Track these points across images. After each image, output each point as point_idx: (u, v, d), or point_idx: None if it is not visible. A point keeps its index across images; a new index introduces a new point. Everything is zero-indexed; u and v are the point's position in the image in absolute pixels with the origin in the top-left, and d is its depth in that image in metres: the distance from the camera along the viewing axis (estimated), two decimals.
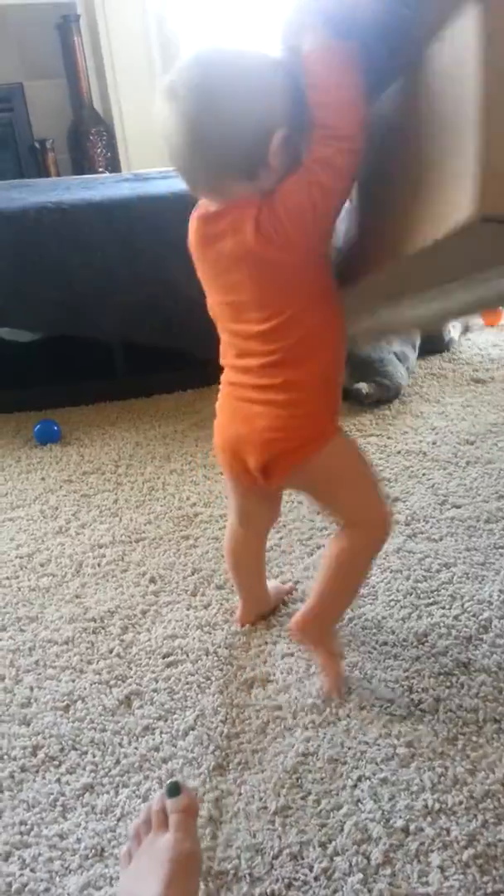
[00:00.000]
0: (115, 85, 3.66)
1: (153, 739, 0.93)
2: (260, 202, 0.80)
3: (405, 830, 0.79)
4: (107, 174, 3.38)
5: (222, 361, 0.96)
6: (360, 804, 0.82)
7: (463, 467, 1.50)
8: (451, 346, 2.16)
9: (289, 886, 0.75)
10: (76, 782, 0.88)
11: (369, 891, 0.73)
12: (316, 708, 0.95)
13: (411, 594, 1.14)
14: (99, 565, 1.30)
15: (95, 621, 1.15)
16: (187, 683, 1.01)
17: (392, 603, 1.13)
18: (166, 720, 0.95)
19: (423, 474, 1.49)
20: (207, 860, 0.77)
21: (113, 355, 2.04)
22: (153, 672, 1.04)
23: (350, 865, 0.76)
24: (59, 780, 0.89)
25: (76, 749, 0.93)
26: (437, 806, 0.81)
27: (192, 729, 0.94)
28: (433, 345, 2.12)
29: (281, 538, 1.32)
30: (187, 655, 1.06)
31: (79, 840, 0.81)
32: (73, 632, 1.13)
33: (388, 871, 0.75)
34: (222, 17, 3.41)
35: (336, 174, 0.77)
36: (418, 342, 2.05)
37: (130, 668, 1.05)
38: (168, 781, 0.75)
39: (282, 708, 0.95)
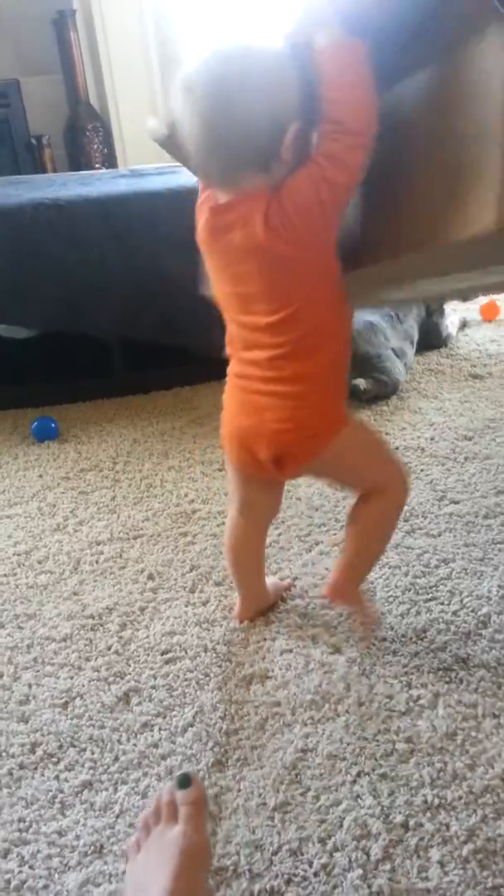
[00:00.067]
0: (111, 81, 3.65)
1: (152, 736, 0.93)
2: (269, 195, 0.81)
3: (404, 826, 0.79)
4: (103, 170, 3.37)
5: (228, 353, 0.96)
6: (359, 800, 0.82)
7: (461, 463, 1.50)
8: (448, 342, 2.16)
9: (288, 882, 0.75)
10: (75, 779, 0.88)
11: (369, 886, 0.73)
12: (315, 704, 0.95)
13: (410, 590, 1.14)
14: (97, 562, 1.30)
15: (94, 618, 1.15)
16: (186, 680, 1.01)
17: (391, 599, 1.13)
18: (165, 717, 0.95)
19: (422, 470, 1.49)
20: None
21: (110, 352, 2.04)
22: (152, 669, 1.04)
23: (349, 861, 0.76)
24: (57, 777, 0.88)
25: (75, 746, 0.92)
26: (436, 801, 0.81)
27: (191, 725, 0.94)
28: (431, 340, 2.12)
29: (279, 534, 1.31)
30: (186, 652, 1.06)
31: (77, 837, 0.81)
32: (72, 629, 1.13)
33: (388, 866, 0.75)
34: (219, 11, 3.40)
35: (343, 170, 0.78)
36: (416, 338, 2.05)
37: (129, 665, 1.05)
38: (178, 773, 0.75)
39: (280, 704, 0.95)
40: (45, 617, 1.17)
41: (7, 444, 1.80)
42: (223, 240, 0.86)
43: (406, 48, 0.77)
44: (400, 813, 0.80)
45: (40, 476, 1.62)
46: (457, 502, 1.37)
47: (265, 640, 1.07)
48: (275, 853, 0.77)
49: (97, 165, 3.67)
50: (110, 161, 3.73)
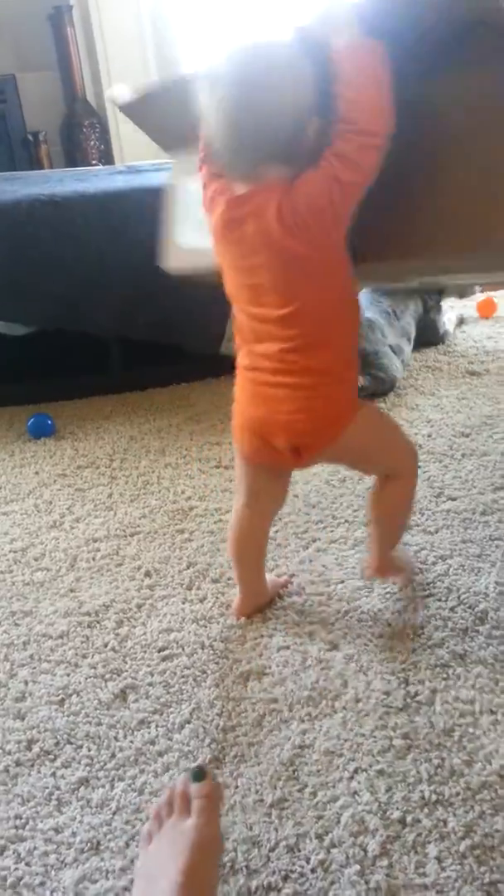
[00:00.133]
0: (108, 77, 3.63)
1: (149, 733, 0.92)
2: (283, 190, 0.82)
3: (402, 822, 0.78)
4: (100, 166, 3.37)
5: (238, 345, 0.97)
6: (356, 796, 0.82)
7: (458, 460, 1.50)
8: (446, 339, 2.16)
9: (285, 879, 0.74)
10: (71, 776, 0.88)
11: (366, 882, 0.73)
12: (312, 700, 0.95)
13: (407, 586, 1.14)
14: (94, 559, 1.30)
15: (90, 615, 1.15)
16: (183, 677, 1.01)
17: (388, 595, 1.12)
18: (162, 714, 0.95)
19: (419, 467, 1.48)
20: None
21: (107, 349, 2.03)
22: (148, 666, 1.03)
23: (347, 857, 0.75)
24: (54, 774, 0.88)
25: (71, 743, 0.92)
26: (433, 797, 0.80)
27: (188, 722, 0.93)
28: (428, 337, 2.12)
29: (276, 531, 1.31)
30: (183, 649, 1.06)
31: (74, 834, 0.81)
32: (68, 626, 1.13)
33: (385, 862, 0.75)
34: (216, 10, 3.39)
35: (355, 170, 0.80)
36: (413, 335, 2.05)
37: (126, 662, 1.04)
38: (193, 765, 0.74)
39: (278, 700, 0.95)
40: (41, 614, 1.16)
41: (3, 440, 1.79)
42: (238, 231, 0.87)
43: (420, 55, 0.79)
44: (397, 809, 0.80)
45: (37, 473, 1.62)
46: (454, 499, 1.36)
47: (262, 636, 1.07)
48: (272, 849, 0.77)
49: (94, 162, 3.66)
50: (107, 157, 3.72)
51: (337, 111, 0.79)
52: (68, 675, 1.03)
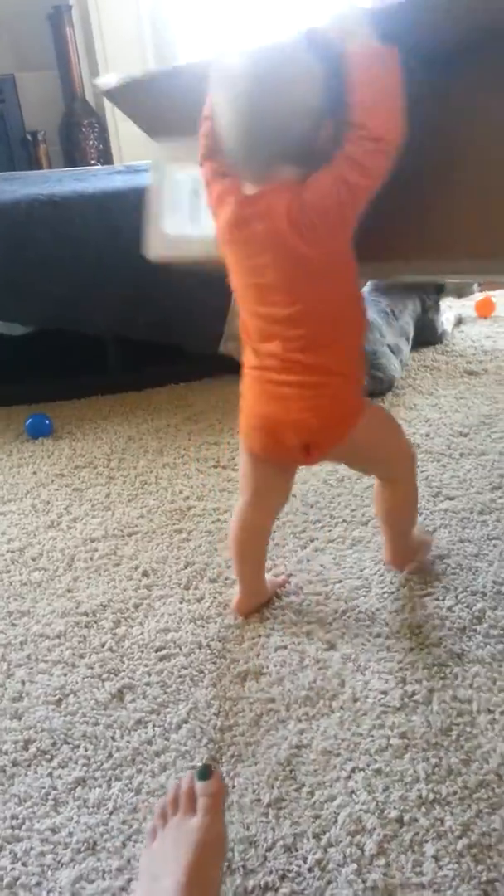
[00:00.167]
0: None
1: (146, 733, 0.92)
2: (293, 191, 0.83)
3: (399, 821, 0.78)
4: (99, 166, 3.36)
5: (245, 345, 0.98)
6: (353, 795, 0.82)
7: (456, 459, 1.50)
8: (444, 339, 2.16)
9: (283, 878, 0.74)
10: (68, 776, 0.88)
11: (363, 881, 0.73)
12: (309, 700, 0.95)
13: (405, 586, 1.14)
14: (91, 559, 1.29)
15: (87, 615, 1.15)
16: (180, 677, 1.01)
17: (385, 595, 1.12)
18: (159, 714, 0.95)
19: (417, 466, 1.48)
20: None
21: (105, 349, 2.03)
22: (146, 666, 1.03)
23: (344, 856, 0.75)
24: (50, 774, 0.88)
25: (68, 743, 0.92)
26: (431, 796, 0.80)
27: (185, 722, 0.93)
28: (426, 337, 2.12)
29: (274, 531, 1.31)
30: (180, 649, 1.06)
31: (71, 834, 0.81)
32: (65, 626, 1.13)
33: (382, 861, 0.74)
34: (215, 6, 3.39)
35: (364, 174, 0.81)
36: (412, 334, 2.05)
37: (123, 662, 1.04)
38: (200, 764, 0.74)
39: (275, 700, 0.95)
40: (38, 614, 1.16)
41: (1, 440, 1.79)
42: (247, 231, 0.87)
43: (437, 60, 0.79)
44: (394, 808, 0.80)
45: (34, 473, 1.62)
46: (452, 498, 1.36)
47: (260, 636, 1.06)
48: (269, 849, 0.77)
49: (93, 161, 3.66)
50: (106, 157, 3.72)
51: (349, 115, 0.80)
52: (65, 675, 1.03)
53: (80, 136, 3.67)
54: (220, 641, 1.06)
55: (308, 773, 0.85)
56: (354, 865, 0.74)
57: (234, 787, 0.84)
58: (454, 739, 0.87)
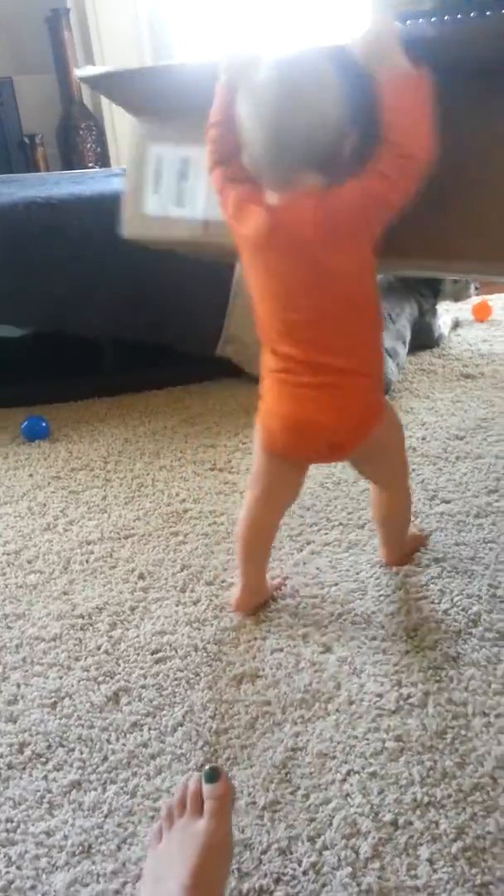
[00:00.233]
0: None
1: (141, 736, 0.92)
2: (319, 198, 0.86)
3: (394, 824, 0.78)
4: (96, 169, 3.37)
5: (264, 347, 1.00)
6: (348, 798, 0.82)
7: (453, 462, 1.50)
8: (440, 342, 2.16)
9: (277, 881, 0.74)
10: (63, 779, 0.87)
11: (358, 884, 0.73)
12: (305, 703, 0.95)
13: (401, 588, 1.14)
14: (87, 562, 1.29)
15: (83, 618, 1.15)
16: (176, 679, 1.00)
17: (381, 598, 1.13)
18: (155, 716, 0.95)
19: (413, 470, 1.49)
20: None
21: (102, 351, 2.03)
22: (141, 668, 1.03)
23: (339, 859, 0.75)
24: (45, 777, 0.88)
25: (63, 746, 0.92)
26: (426, 799, 0.80)
27: (181, 725, 0.93)
28: (423, 340, 2.12)
29: None
30: (176, 651, 1.06)
31: (66, 837, 0.81)
32: (61, 628, 1.13)
33: (377, 864, 0.74)
34: (213, 10, 3.40)
35: (396, 190, 0.84)
36: (408, 338, 2.05)
37: (118, 665, 1.04)
38: (207, 766, 0.73)
39: (271, 703, 0.95)
40: (34, 617, 1.16)
41: None
42: (275, 238, 0.89)
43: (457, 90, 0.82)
44: (389, 811, 0.80)
45: (30, 475, 1.62)
46: (448, 501, 1.37)
47: (256, 639, 1.06)
48: (264, 852, 0.77)
49: (90, 164, 3.66)
50: (103, 160, 3.72)
51: (385, 133, 0.83)
52: (61, 677, 1.03)
53: (77, 139, 3.67)
54: (216, 644, 1.06)
55: (303, 775, 0.85)
56: (349, 868, 0.74)
57: None
58: (449, 742, 0.87)
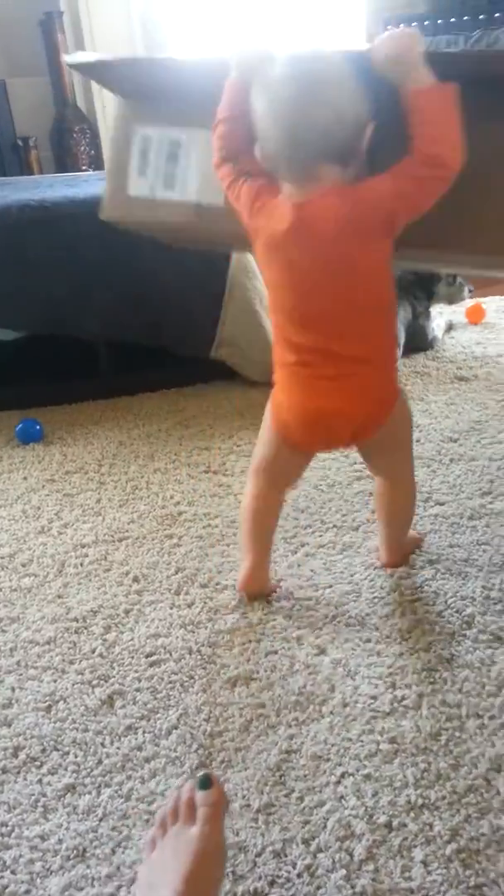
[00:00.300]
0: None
1: (136, 739, 0.92)
2: (345, 194, 0.89)
3: (388, 826, 0.79)
4: (90, 172, 3.37)
5: (278, 342, 1.02)
6: (343, 801, 0.82)
7: (446, 465, 1.51)
8: (434, 345, 2.17)
9: (272, 884, 0.74)
10: (58, 783, 0.87)
11: (352, 887, 0.73)
12: (299, 705, 0.95)
13: (395, 591, 1.14)
14: (81, 565, 1.29)
15: (78, 621, 1.14)
16: (170, 682, 1.00)
17: (376, 600, 1.13)
18: (149, 719, 0.95)
19: None
20: None
21: (96, 354, 2.03)
22: (136, 671, 1.03)
23: (333, 862, 0.75)
24: (40, 781, 0.88)
25: (58, 749, 0.92)
26: (420, 801, 0.81)
27: (175, 728, 0.93)
28: (417, 343, 2.13)
29: None
30: (170, 654, 1.06)
31: (60, 841, 0.81)
32: (55, 632, 1.12)
33: (371, 866, 0.75)
34: (206, 12, 3.40)
35: (423, 194, 0.88)
36: (402, 340, 2.06)
37: (113, 668, 1.04)
38: (200, 773, 0.74)
39: (265, 706, 0.95)
40: (28, 620, 1.16)
41: None
42: (301, 234, 0.91)
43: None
44: (384, 813, 0.80)
45: (25, 478, 1.61)
46: (442, 504, 1.37)
47: (250, 641, 1.07)
48: (258, 855, 0.77)
49: (84, 167, 3.66)
50: (97, 163, 3.72)
51: (420, 143, 0.87)
52: (55, 681, 1.03)
53: (71, 142, 3.68)
54: (210, 647, 1.06)
55: (298, 778, 0.85)
56: (343, 871, 0.74)
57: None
58: (443, 744, 0.87)
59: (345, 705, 0.94)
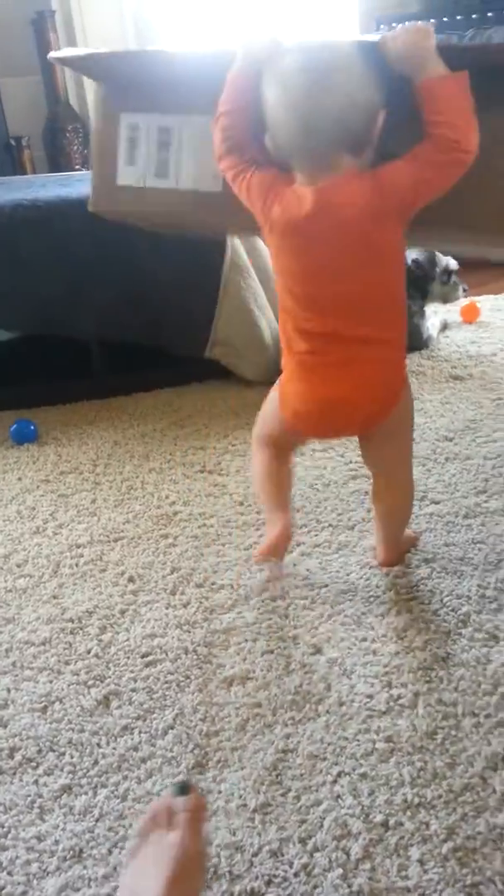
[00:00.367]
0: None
1: (132, 739, 0.92)
2: (364, 180, 0.92)
3: (385, 825, 0.79)
4: (83, 171, 3.36)
5: (286, 332, 1.03)
6: (339, 800, 0.82)
7: (441, 464, 1.51)
8: (429, 344, 2.17)
9: (269, 883, 0.74)
10: (54, 783, 0.87)
11: (349, 886, 0.73)
12: (295, 704, 0.95)
13: (391, 590, 1.14)
14: (77, 565, 1.29)
15: (73, 622, 1.14)
16: (166, 682, 1.00)
17: (371, 599, 1.13)
18: (145, 720, 0.95)
19: None
20: None
21: (91, 354, 2.02)
22: (132, 672, 1.03)
23: (330, 861, 0.76)
24: (36, 782, 0.88)
25: (54, 750, 0.92)
26: (416, 800, 0.81)
27: (171, 728, 0.93)
28: (412, 342, 2.13)
29: (261, 536, 1.31)
30: (166, 654, 1.05)
31: (56, 842, 0.80)
32: (51, 632, 1.12)
33: (368, 865, 0.75)
34: (198, 11, 3.40)
35: (443, 177, 0.91)
36: None
37: (109, 668, 1.04)
38: (175, 780, 0.74)
39: (261, 705, 0.95)
40: (23, 621, 1.16)
41: None
42: (322, 220, 0.93)
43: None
44: (380, 812, 0.80)
45: (19, 479, 1.61)
46: (437, 502, 1.37)
47: (246, 641, 1.06)
48: (255, 854, 0.77)
49: (77, 167, 3.64)
50: (90, 162, 3.71)
51: (441, 130, 0.89)
52: (51, 682, 1.02)
53: (64, 142, 3.66)
54: (206, 647, 1.06)
55: (294, 777, 0.85)
56: (340, 870, 0.74)
57: (220, 792, 0.84)
58: (439, 743, 0.87)
59: (341, 704, 0.94)
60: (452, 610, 1.09)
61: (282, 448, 1.17)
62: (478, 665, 0.98)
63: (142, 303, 1.90)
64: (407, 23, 0.92)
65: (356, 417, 1.04)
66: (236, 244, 1.89)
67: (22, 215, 1.84)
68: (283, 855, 0.77)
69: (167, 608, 1.15)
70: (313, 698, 0.95)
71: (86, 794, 0.86)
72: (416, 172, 0.91)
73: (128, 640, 1.09)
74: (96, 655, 1.07)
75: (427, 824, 0.78)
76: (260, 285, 1.96)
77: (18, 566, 1.30)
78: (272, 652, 1.04)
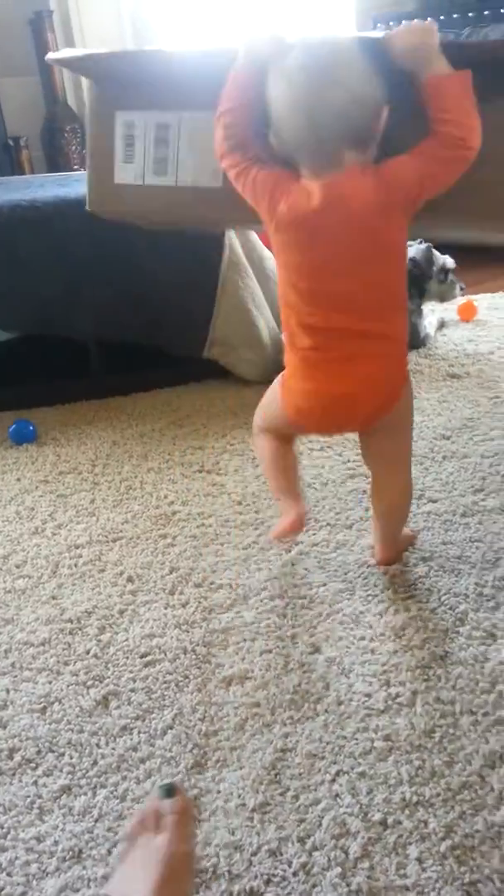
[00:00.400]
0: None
1: (131, 739, 0.92)
2: (370, 174, 0.92)
3: (383, 824, 0.79)
4: (82, 171, 3.35)
5: (289, 329, 1.03)
6: (338, 798, 0.82)
7: (439, 462, 1.51)
8: (427, 342, 2.17)
9: (268, 882, 0.75)
10: (53, 784, 0.87)
11: (348, 885, 0.73)
12: (294, 704, 0.95)
13: (388, 589, 1.15)
14: (76, 566, 1.29)
15: (72, 622, 1.14)
16: (165, 682, 1.01)
17: (369, 598, 1.13)
18: (144, 720, 0.95)
19: None
20: None
21: (89, 354, 2.02)
22: (131, 672, 1.03)
23: (328, 860, 0.76)
24: (35, 783, 0.88)
25: (53, 751, 0.92)
26: (414, 798, 0.81)
27: (171, 728, 0.93)
28: (409, 341, 2.13)
29: (259, 535, 1.31)
30: (165, 654, 1.06)
31: (56, 842, 0.81)
32: (50, 633, 1.12)
33: (367, 864, 0.75)
34: (196, 10, 3.40)
35: (447, 173, 0.92)
36: None
37: (108, 669, 1.04)
38: (162, 783, 0.74)
39: (260, 705, 0.95)
40: (22, 621, 1.16)
41: None
42: (329, 212, 0.93)
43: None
44: (378, 811, 0.80)
45: (18, 479, 1.61)
46: (435, 501, 1.37)
47: (244, 640, 1.07)
48: (254, 854, 0.77)
49: (75, 167, 3.65)
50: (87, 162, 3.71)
51: (447, 127, 0.91)
52: (50, 682, 1.03)
53: (62, 142, 3.66)
54: (204, 646, 1.06)
55: (293, 776, 0.85)
56: (339, 869, 0.75)
57: (219, 791, 0.85)
58: (437, 741, 0.88)
59: (339, 703, 0.94)
60: (450, 608, 1.09)
61: (284, 436, 1.18)
62: (475, 663, 0.98)
63: (140, 303, 1.90)
64: (414, 20, 0.94)
65: (359, 413, 1.04)
66: (234, 243, 1.89)
67: (20, 215, 1.84)
68: (281, 854, 0.77)
69: (166, 608, 1.16)
70: (312, 697, 0.96)
71: (85, 794, 0.86)
72: (422, 167, 0.92)
73: (127, 640, 1.09)
74: (95, 656, 1.07)
75: (425, 822, 0.78)
76: (258, 284, 1.96)
77: (17, 567, 1.30)
78: (271, 651, 1.04)
